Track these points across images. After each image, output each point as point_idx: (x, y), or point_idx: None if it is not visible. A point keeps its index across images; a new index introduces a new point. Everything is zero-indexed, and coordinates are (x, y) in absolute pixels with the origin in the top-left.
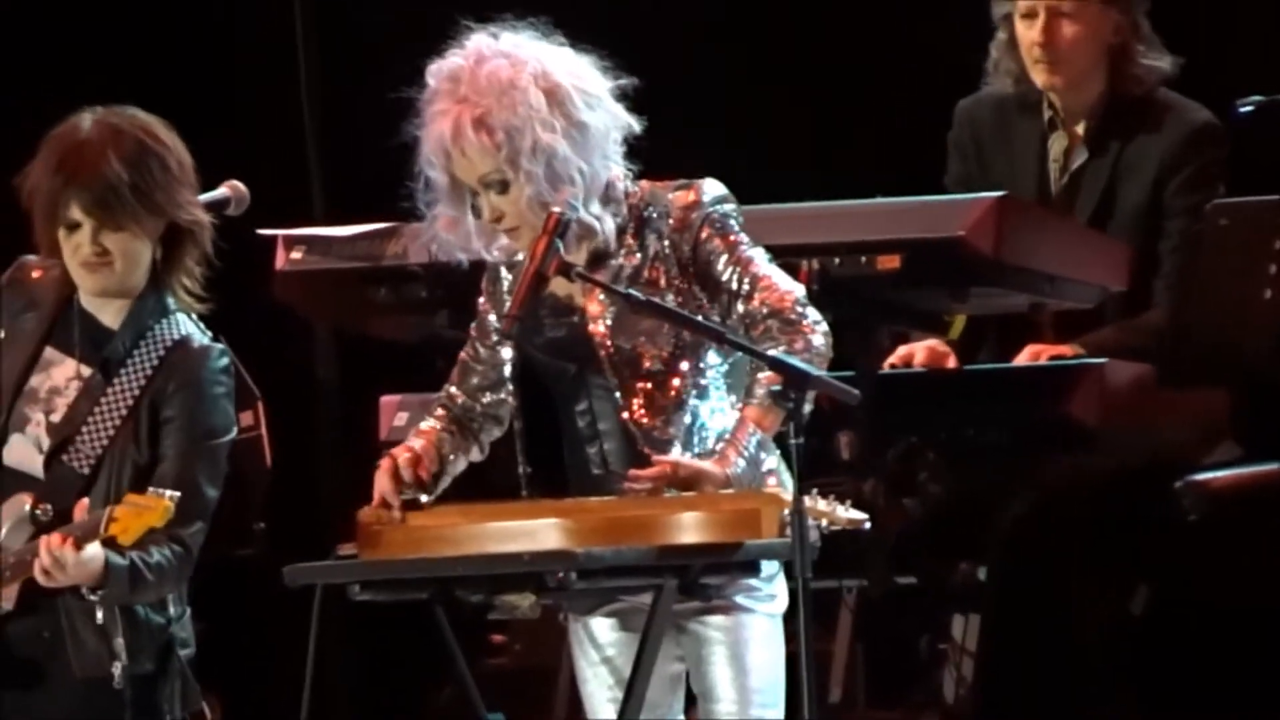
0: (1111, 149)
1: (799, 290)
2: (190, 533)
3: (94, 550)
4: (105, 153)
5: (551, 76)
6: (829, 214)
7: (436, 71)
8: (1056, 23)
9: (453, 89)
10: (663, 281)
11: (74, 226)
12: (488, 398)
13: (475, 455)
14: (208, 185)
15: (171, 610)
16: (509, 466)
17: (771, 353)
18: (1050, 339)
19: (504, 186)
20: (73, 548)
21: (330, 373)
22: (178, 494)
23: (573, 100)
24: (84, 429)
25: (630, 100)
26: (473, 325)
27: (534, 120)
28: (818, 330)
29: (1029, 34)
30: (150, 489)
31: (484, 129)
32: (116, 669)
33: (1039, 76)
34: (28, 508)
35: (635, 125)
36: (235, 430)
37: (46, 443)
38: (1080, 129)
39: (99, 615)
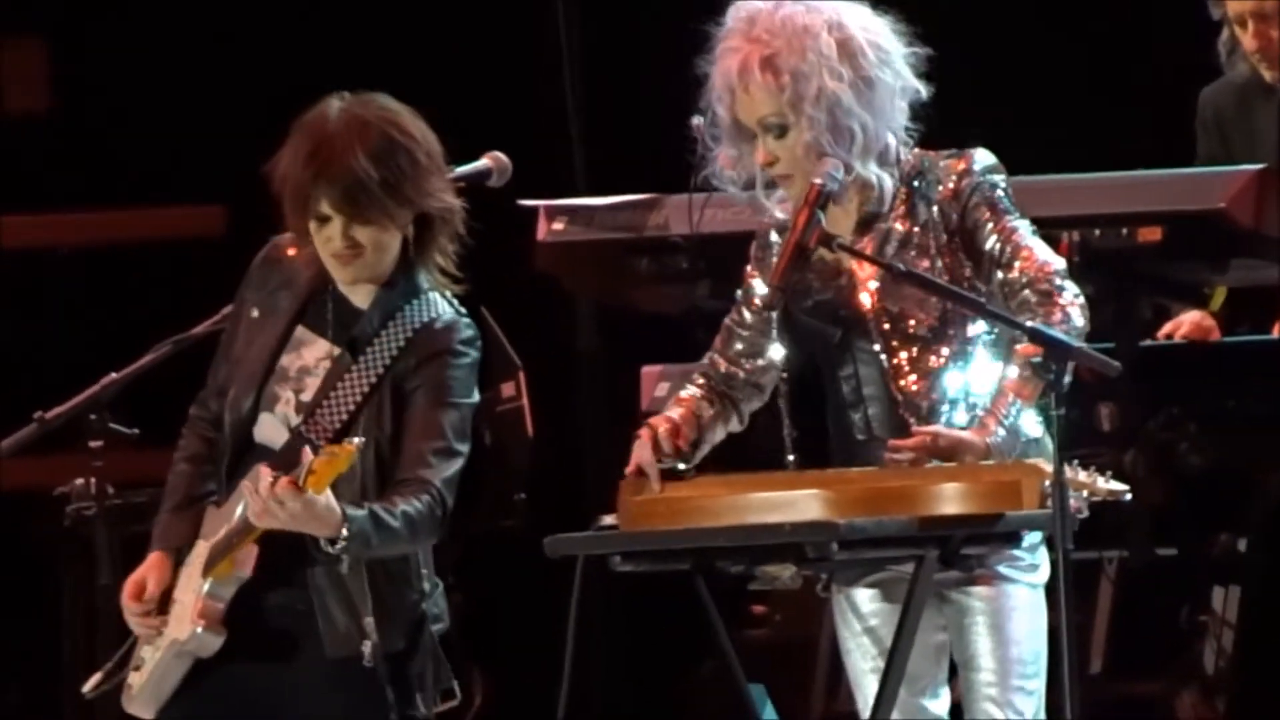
0: None
1: (1059, 263)
2: (441, 477)
3: (327, 501)
4: (353, 148)
5: (846, 28)
6: (1090, 186)
7: (735, 11)
8: (1264, 27)
9: (747, 28)
10: (932, 248)
11: (324, 219)
12: (751, 364)
13: (735, 425)
14: (470, 157)
15: (425, 585)
16: (769, 434)
17: (1030, 324)
18: None
19: (782, 130)
20: (290, 486)
21: (592, 343)
22: (362, 440)
23: (864, 54)
24: (324, 404)
25: (921, 68)
26: (739, 291)
27: (822, 67)
28: (1075, 303)
29: (1244, 38)
30: (345, 439)
31: (770, 69)
32: (367, 647)
33: (1265, 74)
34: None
35: (922, 91)
36: (477, 399)
37: (294, 420)
38: None
39: (345, 566)
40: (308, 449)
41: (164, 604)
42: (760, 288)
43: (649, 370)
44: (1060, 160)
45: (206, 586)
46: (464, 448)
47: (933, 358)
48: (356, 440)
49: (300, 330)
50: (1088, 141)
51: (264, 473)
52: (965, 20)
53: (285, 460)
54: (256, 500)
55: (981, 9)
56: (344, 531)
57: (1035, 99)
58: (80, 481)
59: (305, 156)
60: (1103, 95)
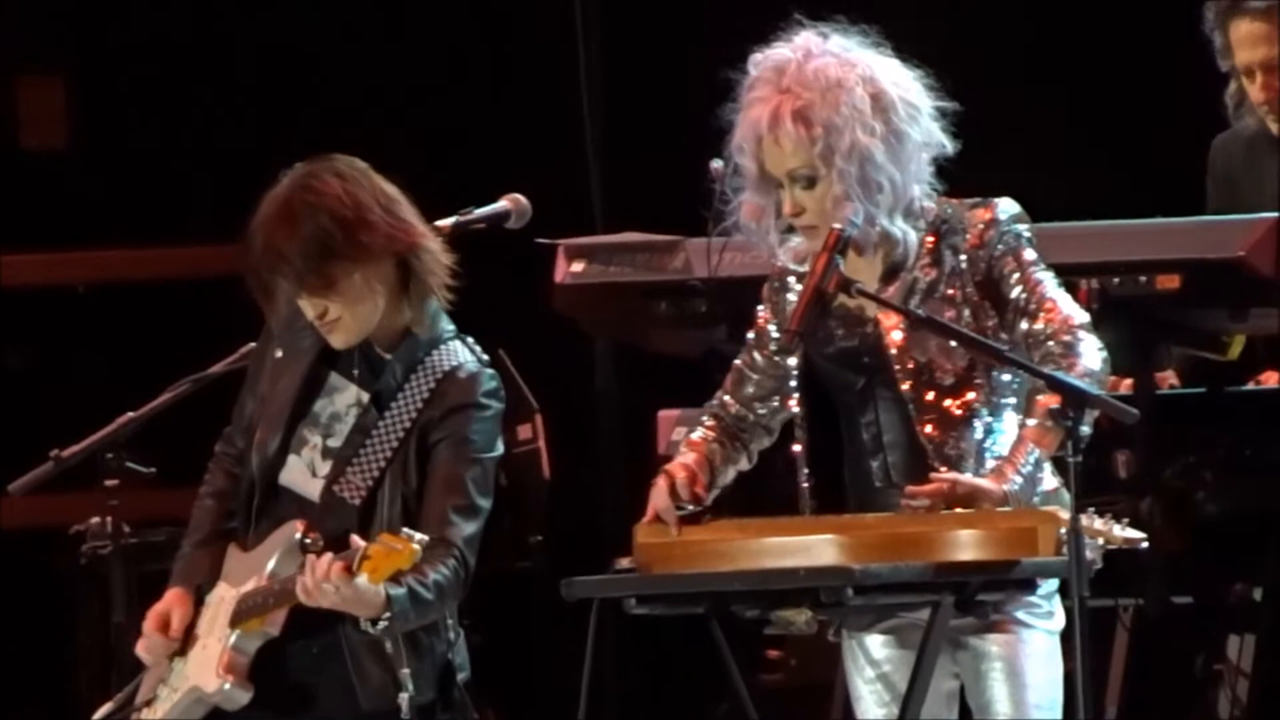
0: None
1: (1083, 316)
2: (464, 537)
3: (369, 583)
4: (280, 233)
5: (878, 82)
6: (1109, 233)
7: (760, 60)
8: (1272, 79)
9: (775, 79)
10: (958, 297)
11: (294, 295)
12: (761, 407)
13: (744, 465)
14: (489, 198)
15: (451, 635)
16: (786, 479)
17: (1049, 372)
18: None
19: (811, 182)
20: (345, 573)
21: (609, 385)
22: (425, 537)
23: (896, 109)
24: (355, 461)
25: (946, 121)
26: (750, 334)
27: (855, 121)
28: (1097, 355)
29: (1252, 89)
30: (403, 530)
31: (802, 121)
32: (403, 700)
33: (1272, 126)
34: (298, 536)
35: (949, 146)
36: (500, 451)
37: (320, 466)
38: None
39: (388, 646)
40: (355, 537)
41: (184, 639)
42: (773, 331)
43: (666, 414)
44: (1076, 206)
45: (233, 639)
46: (487, 503)
47: (960, 406)
48: (420, 537)
49: (334, 376)
50: (1104, 185)
51: (296, 528)
52: (970, 59)
53: (320, 516)
54: (310, 580)
55: (988, 48)
56: (387, 613)
57: (1041, 140)
58: (96, 520)
59: (251, 246)
60: (1107, 137)
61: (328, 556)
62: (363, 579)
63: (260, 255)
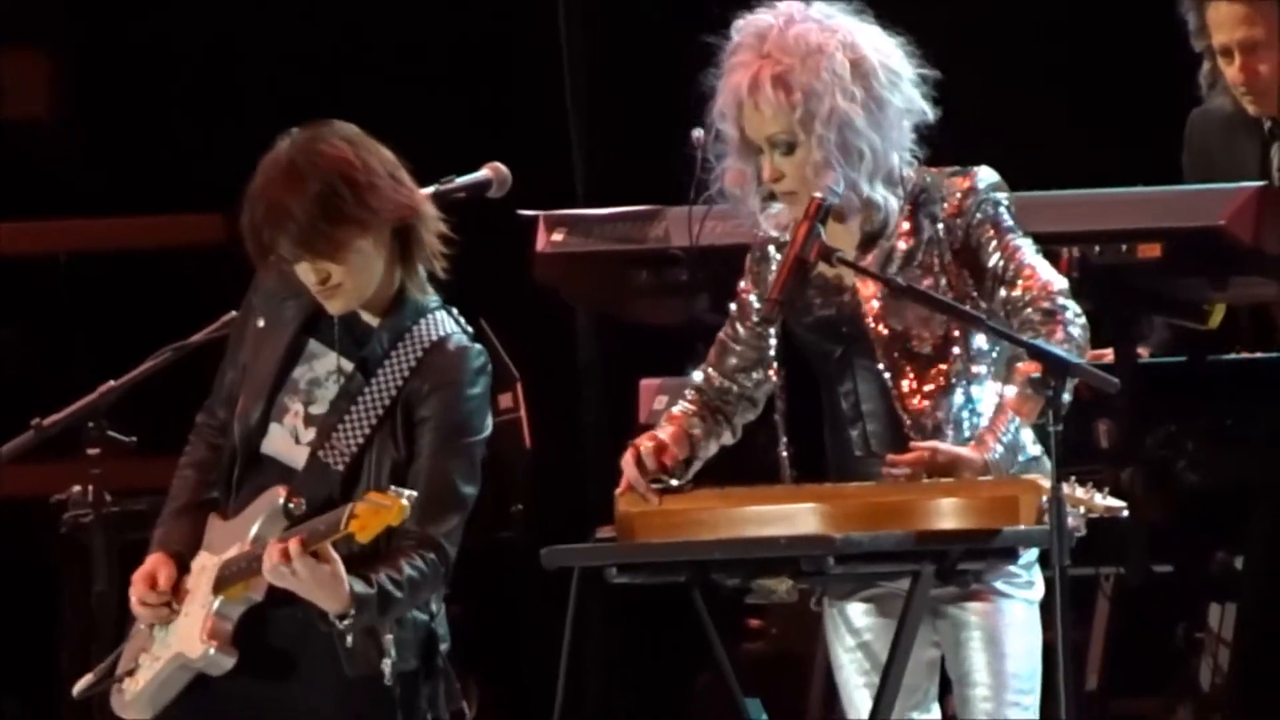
0: None
1: (1061, 283)
2: (444, 531)
3: (336, 573)
4: (289, 193)
5: (859, 48)
6: (1090, 202)
7: (743, 26)
8: (1252, 59)
9: (757, 44)
10: (936, 266)
11: (295, 260)
12: (745, 379)
13: (727, 438)
14: (470, 167)
15: (434, 606)
16: (767, 448)
17: (1030, 340)
18: None
19: (790, 148)
20: (299, 546)
21: (591, 355)
22: (414, 493)
23: (877, 75)
24: (340, 427)
25: (928, 89)
26: (732, 305)
27: (835, 87)
28: (1076, 322)
29: (1229, 70)
30: (391, 488)
31: (782, 87)
32: (386, 666)
33: (1249, 107)
34: (281, 501)
35: (929, 114)
36: (490, 430)
37: (303, 433)
38: None
39: (350, 640)
40: (312, 524)
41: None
42: (755, 302)
43: (647, 383)
44: (1058, 175)
45: (216, 605)
46: (473, 490)
47: (938, 375)
48: (409, 493)
49: (312, 343)
50: (1085, 154)
51: (280, 494)
52: (959, 34)
53: (304, 482)
54: (268, 558)
55: (976, 23)
56: (351, 610)
57: (1027, 112)
58: (78, 489)
59: (251, 210)
60: (1088, 106)
61: (276, 542)
62: (311, 561)
63: (264, 214)
